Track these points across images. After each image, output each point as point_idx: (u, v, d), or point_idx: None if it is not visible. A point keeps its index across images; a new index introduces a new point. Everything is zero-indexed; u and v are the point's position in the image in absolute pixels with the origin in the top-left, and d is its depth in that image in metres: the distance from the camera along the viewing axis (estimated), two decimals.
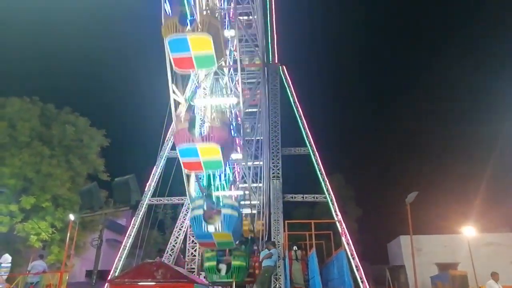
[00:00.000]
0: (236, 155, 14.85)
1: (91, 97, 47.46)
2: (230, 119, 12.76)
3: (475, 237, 23.20)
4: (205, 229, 11.13)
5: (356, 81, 66.64)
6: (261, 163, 22.54)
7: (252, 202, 20.08)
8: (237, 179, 16.93)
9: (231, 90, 13.90)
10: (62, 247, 20.03)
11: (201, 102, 12.15)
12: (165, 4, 9.61)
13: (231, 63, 15.04)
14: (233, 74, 15.45)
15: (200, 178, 13.28)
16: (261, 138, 22.82)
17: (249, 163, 18.13)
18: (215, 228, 11.14)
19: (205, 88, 12.85)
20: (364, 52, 68.30)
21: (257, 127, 23.34)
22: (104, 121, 27.88)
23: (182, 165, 10.58)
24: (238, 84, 12.87)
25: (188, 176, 11.98)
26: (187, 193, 12.26)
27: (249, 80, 23.00)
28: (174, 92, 10.75)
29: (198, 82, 11.89)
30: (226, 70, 14.55)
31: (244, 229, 17.21)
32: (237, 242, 13.16)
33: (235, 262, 12.92)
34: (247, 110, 21.96)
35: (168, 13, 9.55)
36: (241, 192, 17.64)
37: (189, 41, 8.90)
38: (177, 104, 11.02)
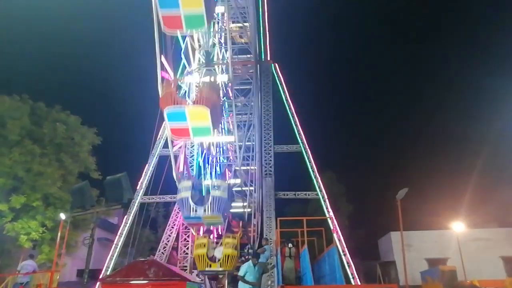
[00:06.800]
0: (229, 137, 14.61)
1: (82, 95, 47.05)
2: (222, 96, 12.58)
3: (464, 232, 23.57)
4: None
5: (347, 80, 67.05)
6: (253, 167, 22.56)
7: (244, 204, 20.10)
8: (228, 177, 16.94)
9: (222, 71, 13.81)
10: (53, 247, 19.88)
11: (191, 79, 11.88)
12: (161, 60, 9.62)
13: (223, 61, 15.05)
14: (224, 71, 15.46)
15: (191, 167, 13.17)
16: (253, 143, 22.77)
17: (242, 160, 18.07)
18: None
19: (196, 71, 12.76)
20: (356, 52, 68.70)
21: (248, 122, 23.34)
22: (96, 119, 27.66)
23: (169, 132, 10.27)
24: (229, 58, 12.56)
25: (176, 157, 11.78)
26: (173, 172, 12.05)
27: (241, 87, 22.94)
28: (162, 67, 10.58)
29: (190, 70, 11.81)
30: (218, 68, 14.56)
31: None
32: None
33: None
34: (239, 105, 21.98)
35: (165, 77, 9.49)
36: (233, 181, 17.49)
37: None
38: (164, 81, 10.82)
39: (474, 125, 34.25)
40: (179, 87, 10.14)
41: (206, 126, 9.60)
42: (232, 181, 16.04)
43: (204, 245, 12.69)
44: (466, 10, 53.76)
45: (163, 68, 10.64)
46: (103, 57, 48.43)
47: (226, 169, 16.85)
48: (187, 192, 11.52)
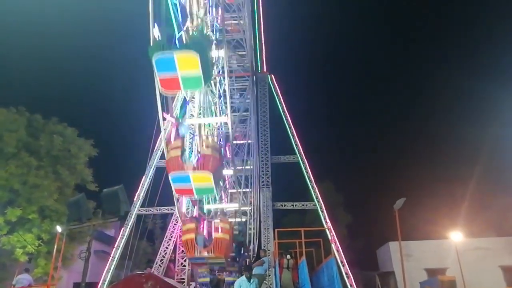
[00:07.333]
0: (227, 171, 14.87)
1: (79, 107, 47.10)
2: (220, 132, 12.77)
3: (462, 242, 23.53)
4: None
5: (344, 88, 67.41)
6: (252, 167, 22.60)
7: (243, 208, 20.06)
8: (228, 186, 16.96)
9: (220, 107, 13.99)
10: (49, 260, 19.65)
11: (192, 121, 12.23)
12: (153, 27, 9.48)
13: (220, 72, 15.12)
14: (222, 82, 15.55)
15: None
16: (251, 141, 22.89)
17: (240, 168, 18.17)
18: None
19: (193, 100, 12.87)
20: (354, 55, 69.30)
21: (248, 134, 23.46)
22: (93, 131, 27.67)
23: (173, 190, 10.60)
24: (227, 96, 12.84)
25: (178, 199, 12.01)
26: (177, 214, 12.24)
27: (238, 86, 23.09)
28: (163, 116, 10.67)
29: (187, 97, 11.93)
30: (215, 82, 14.65)
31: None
32: (229, 260, 13.23)
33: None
34: (238, 118, 22.07)
35: (157, 37, 9.36)
36: (233, 206, 17.62)
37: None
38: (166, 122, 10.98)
39: (472, 134, 34.39)
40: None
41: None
42: (228, 206, 16.30)
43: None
44: (466, 10, 54.51)
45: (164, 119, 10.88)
46: (100, 70, 48.62)
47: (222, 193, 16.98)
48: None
